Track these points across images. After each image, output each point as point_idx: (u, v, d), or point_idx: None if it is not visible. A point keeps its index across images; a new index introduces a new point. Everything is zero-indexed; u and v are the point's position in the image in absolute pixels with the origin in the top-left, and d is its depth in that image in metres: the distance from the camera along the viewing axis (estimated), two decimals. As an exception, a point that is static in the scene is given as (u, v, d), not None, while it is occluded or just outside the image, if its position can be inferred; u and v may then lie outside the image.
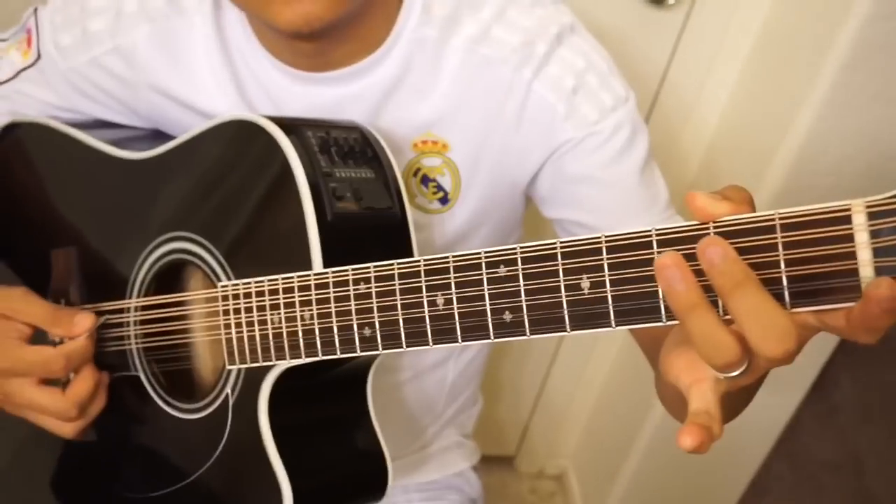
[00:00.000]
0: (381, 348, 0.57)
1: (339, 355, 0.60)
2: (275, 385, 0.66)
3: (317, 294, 0.60)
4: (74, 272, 0.80)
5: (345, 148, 0.70)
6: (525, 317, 0.50)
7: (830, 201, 0.40)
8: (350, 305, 0.58)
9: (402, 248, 0.70)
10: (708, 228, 0.44)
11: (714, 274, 0.42)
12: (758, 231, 0.42)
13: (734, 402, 0.53)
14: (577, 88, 0.75)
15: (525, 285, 0.49)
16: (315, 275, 0.60)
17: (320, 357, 0.61)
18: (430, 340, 0.54)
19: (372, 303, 0.57)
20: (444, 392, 0.99)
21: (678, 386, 0.48)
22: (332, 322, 0.59)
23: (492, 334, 0.51)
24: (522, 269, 0.50)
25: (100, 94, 0.83)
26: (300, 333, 0.62)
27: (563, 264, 0.48)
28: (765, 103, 1.16)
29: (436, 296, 0.53)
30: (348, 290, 0.58)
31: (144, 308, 0.76)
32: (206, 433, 0.71)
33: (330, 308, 0.59)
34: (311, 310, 0.61)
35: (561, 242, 0.48)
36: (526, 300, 0.49)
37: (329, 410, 0.72)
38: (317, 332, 0.61)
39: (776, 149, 1.09)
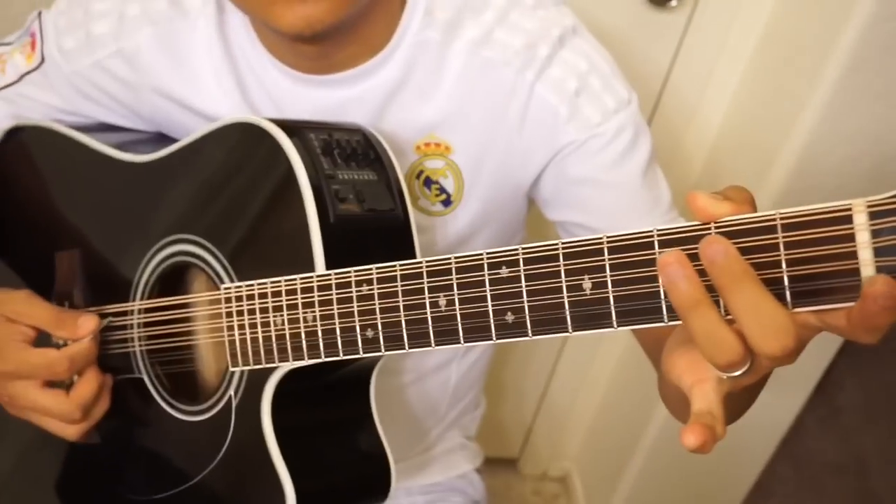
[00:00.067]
0: (383, 349, 0.57)
1: (341, 357, 0.60)
2: (278, 387, 0.67)
3: (319, 296, 0.60)
4: (78, 275, 0.80)
5: (347, 150, 0.70)
6: (527, 317, 0.50)
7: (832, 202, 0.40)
8: (353, 307, 0.58)
9: (405, 249, 0.70)
10: (709, 228, 0.44)
11: (714, 271, 0.42)
12: (759, 231, 0.42)
13: (737, 402, 0.53)
14: (579, 90, 0.75)
15: (527, 286, 0.50)
16: (318, 276, 0.61)
17: (323, 359, 0.61)
18: (433, 342, 0.54)
19: (374, 304, 0.57)
20: (448, 394, 0.99)
21: (680, 386, 0.48)
22: (334, 324, 0.60)
23: (494, 335, 0.51)
24: (524, 270, 0.50)
25: (103, 98, 0.83)
26: (303, 335, 0.62)
27: (565, 265, 0.48)
28: (768, 104, 1.16)
29: (438, 297, 0.53)
30: (351, 292, 0.58)
31: (148, 310, 0.76)
32: (209, 435, 0.71)
33: (332, 310, 0.59)
34: (314, 311, 0.61)
35: (563, 243, 0.48)
36: (528, 301, 0.50)
37: (332, 412, 0.73)
38: (319, 333, 0.61)
39: (779, 150, 1.09)
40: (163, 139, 0.85)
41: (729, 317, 0.43)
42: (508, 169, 0.79)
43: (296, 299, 0.62)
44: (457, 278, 0.53)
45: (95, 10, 0.79)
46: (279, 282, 0.63)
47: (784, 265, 0.42)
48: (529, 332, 0.50)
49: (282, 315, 0.63)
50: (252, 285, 0.66)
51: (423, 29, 0.75)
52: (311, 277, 0.61)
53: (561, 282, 0.48)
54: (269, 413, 0.67)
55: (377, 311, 0.57)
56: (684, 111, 1.30)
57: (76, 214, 0.83)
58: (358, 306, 0.58)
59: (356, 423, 0.73)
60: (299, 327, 0.62)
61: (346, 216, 0.66)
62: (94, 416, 0.75)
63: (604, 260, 0.47)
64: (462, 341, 0.53)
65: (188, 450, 0.75)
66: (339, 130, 0.71)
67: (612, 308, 0.47)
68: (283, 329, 0.63)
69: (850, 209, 0.39)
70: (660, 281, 0.45)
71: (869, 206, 0.39)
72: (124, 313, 0.78)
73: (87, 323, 0.73)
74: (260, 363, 0.66)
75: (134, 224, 0.78)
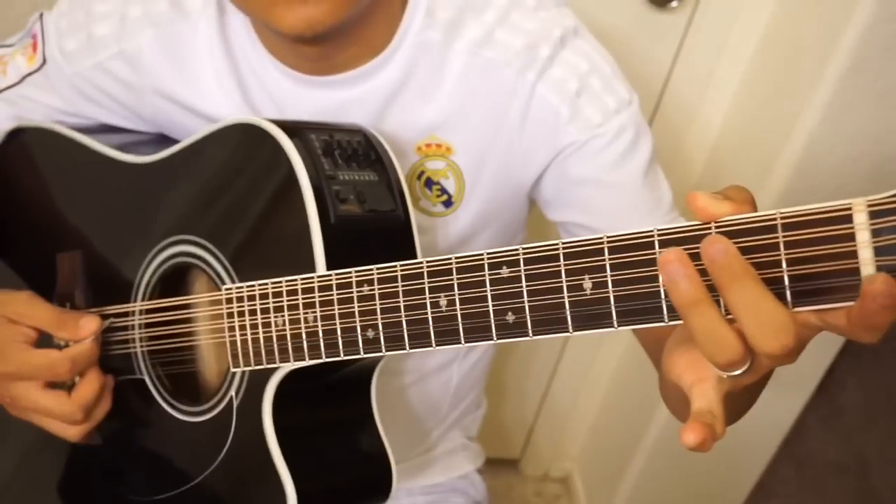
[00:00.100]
0: (384, 350, 0.57)
1: (342, 357, 0.60)
2: (279, 387, 0.67)
3: (320, 296, 0.60)
4: (79, 276, 0.81)
5: (348, 151, 0.70)
6: (528, 317, 0.50)
7: (833, 202, 0.40)
8: (353, 307, 0.58)
9: (406, 250, 0.70)
10: (710, 228, 0.44)
11: (714, 270, 0.42)
12: (759, 231, 0.42)
13: (737, 402, 0.53)
14: (580, 91, 0.75)
15: (528, 286, 0.50)
16: (318, 277, 0.61)
17: (324, 359, 0.61)
18: (434, 342, 0.54)
19: (375, 304, 0.57)
20: (449, 395, 0.99)
21: (680, 385, 0.48)
22: (335, 324, 0.60)
23: (495, 335, 0.52)
24: (525, 270, 0.50)
25: (105, 99, 0.84)
26: (304, 335, 0.62)
27: (566, 265, 0.48)
28: (768, 105, 1.16)
29: (439, 297, 0.53)
30: (352, 292, 0.58)
31: (149, 311, 0.76)
32: (210, 436, 0.72)
33: (333, 310, 0.60)
34: (315, 312, 0.61)
35: (563, 243, 0.48)
36: (528, 301, 0.50)
37: (333, 413, 0.73)
38: (320, 333, 0.61)
39: (780, 151, 1.09)
40: (164, 140, 0.85)
41: (729, 316, 0.43)
42: (509, 169, 0.79)
43: (297, 300, 0.62)
44: (457, 278, 0.53)
45: (97, 11, 0.80)
46: (280, 282, 0.63)
47: (784, 265, 0.42)
48: (530, 332, 0.50)
49: (283, 315, 0.63)
50: (253, 286, 0.66)
51: (425, 29, 0.75)
52: (312, 278, 0.61)
53: (561, 282, 0.48)
54: (270, 413, 0.67)
55: (378, 311, 0.57)
56: (685, 112, 1.30)
57: (77, 215, 0.83)
58: (359, 307, 0.58)
59: (357, 423, 0.73)
60: (300, 328, 0.62)
61: (346, 217, 0.66)
62: (96, 417, 0.75)
63: (604, 260, 0.47)
64: (463, 341, 0.53)
65: (189, 450, 0.75)
66: (340, 131, 0.72)
67: (613, 308, 0.47)
68: (284, 329, 0.63)
69: (849, 208, 0.39)
70: (660, 280, 0.45)
71: (869, 206, 0.39)
72: (125, 314, 0.78)
73: (89, 324, 0.73)
74: (261, 363, 0.66)
75: (135, 225, 0.78)
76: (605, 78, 0.77)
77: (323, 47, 0.72)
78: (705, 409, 0.45)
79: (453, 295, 0.53)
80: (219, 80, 0.79)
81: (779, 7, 1.15)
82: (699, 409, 0.46)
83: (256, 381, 0.68)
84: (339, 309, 0.59)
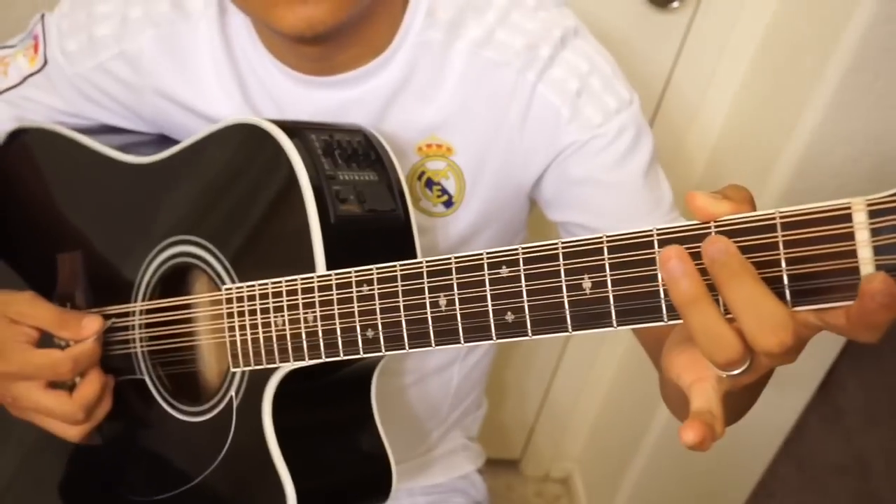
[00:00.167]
0: (384, 350, 0.57)
1: (342, 357, 0.60)
2: (278, 387, 0.67)
3: (320, 296, 0.60)
4: (80, 276, 0.81)
5: (348, 151, 0.70)
6: (527, 317, 0.50)
7: (833, 201, 0.40)
8: (353, 307, 0.58)
9: (406, 250, 0.70)
10: (709, 228, 0.44)
11: (714, 268, 0.42)
12: (759, 230, 0.42)
13: (737, 402, 0.53)
14: (580, 91, 0.75)
15: (527, 286, 0.50)
16: (318, 277, 0.61)
17: (323, 359, 0.61)
18: (433, 341, 0.54)
19: (375, 304, 0.57)
20: (449, 395, 0.99)
21: (680, 384, 0.48)
22: (335, 324, 0.60)
23: (494, 335, 0.52)
24: (524, 270, 0.50)
25: (106, 100, 0.84)
26: (304, 335, 0.62)
27: (565, 264, 0.48)
28: (769, 106, 1.16)
29: (438, 297, 0.54)
30: (351, 292, 0.58)
31: (149, 311, 0.77)
32: (210, 436, 0.72)
33: (333, 310, 0.60)
34: (315, 312, 0.61)
35: (563, 243, 0.48)
36: (528, 300, 0.50)
37: (333, 413, 0.73)
38: (320, 333, 0.61)
39: (781, 151, 1.09)
40: (165, 141, 0.85)
41: (728, 315, 0.43)
42: (510, 169, 0.79)
43: (296, 300, 0.62)
44: (457, 278, 0.53)
45: (98, 12, 0.80)
46: (280, 282, 0.63)
47: (784, 264, 0.42)
48: (529, 331, 0.50)
49: (283, 315, 0.63)
50: (253, 286, 0.66)
51: (426, 29, 0.75)
52: (312, 278, 0.61)
53: (561, 281, 0.48)
54: (269, 413, 0.67)
55: (377, 311, 0.57)
56: (686, 112, 1.31)
57: (78, 216, 0.83)
58: (358, 306, 0.58)
59: (357, 423, 0.73)
60: (300, 327, 0.62)
61: (346, 217, 0.66)
62: (97, 418, 0.75)
63: (603, 259, 0.47)
64: (462, 341, 0.53)
65: (189, 451, 0.75)
66: (340, 131, 0.72)
67: (612, 307, 0.47)
68: (284, 329, 0.63)
69: (849, 208, 0.39)
70: (659, 280, 0.45)
71: (868, 205, 0.39)
72: (126, 314, 0.78)
73: (91, 324, 0.73)
74: (261, 363, 0.66)
75: (135, 225, 0.78)
76: (605, 78, 0.77)
77: (323, 47, 0.72)
78: (705, 408, 0.45)
79: (453, 295, 0.53)
80: (219, 81, 0.79)
81: (779, 7, 1.15)
82: (698, 408, 0.46)
83: (256, 381, 0.68)
84: (338, 309, 0.59)
